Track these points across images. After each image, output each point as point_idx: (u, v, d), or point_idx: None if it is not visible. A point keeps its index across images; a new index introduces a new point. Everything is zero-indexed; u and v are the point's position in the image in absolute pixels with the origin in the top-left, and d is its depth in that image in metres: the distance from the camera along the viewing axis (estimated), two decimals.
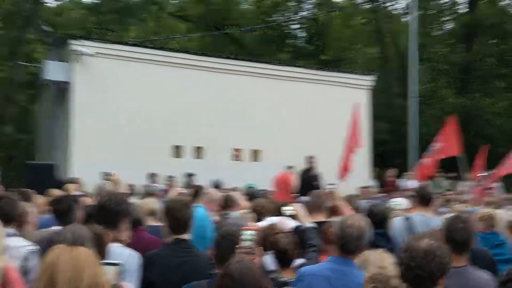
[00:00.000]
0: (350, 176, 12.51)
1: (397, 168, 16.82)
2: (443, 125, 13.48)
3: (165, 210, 4.16)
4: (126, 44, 15.31)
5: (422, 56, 24.01)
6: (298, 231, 4.81)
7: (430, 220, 5.71)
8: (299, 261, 4.16)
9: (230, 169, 14.28)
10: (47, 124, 15.25)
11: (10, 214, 4.07)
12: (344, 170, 12.42)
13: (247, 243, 3.31)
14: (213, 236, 5.28)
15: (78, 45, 13.58)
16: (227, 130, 14.77)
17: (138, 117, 14.01)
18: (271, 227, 4.87)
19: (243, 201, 8.60)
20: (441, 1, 26.62)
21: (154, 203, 6.60)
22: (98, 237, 3.28)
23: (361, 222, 3.64)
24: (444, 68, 26.06)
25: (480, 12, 24.29)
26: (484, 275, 3.61)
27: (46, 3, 25.22)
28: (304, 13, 28.14)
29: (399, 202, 6.74)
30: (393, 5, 28.90)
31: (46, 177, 10.72)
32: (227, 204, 7.46)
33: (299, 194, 10.96)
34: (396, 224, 5.56)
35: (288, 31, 28.78)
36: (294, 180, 12.20)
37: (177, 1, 29.10)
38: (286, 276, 3.95)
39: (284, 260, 4.04)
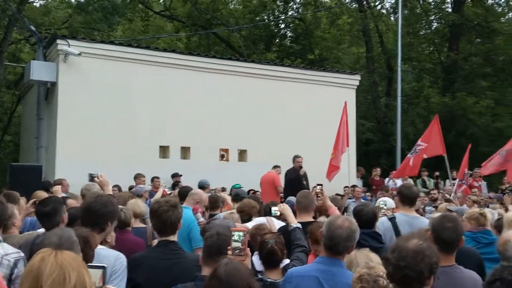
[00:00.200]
0: (336, 176, 12.55)
1: (382, 167, 16.95)
2: (427, 124, 13.59)
3: (151, 212, 4.12)
4: (112, 43, 15.17)
5: (407, 55, 24.20)
6: (285, 231, 4.81)
7: (414, 220, 5.73)
8: (285, 262, 4.15)
9: (217, 169, 14.24)
10: (32, 124, 15.08)
11: (1, 217, 4.02)
12: (333, 169, 12.44)
13: (237, 244, 3.29)
14: (199, 237, 5.28)
15: (64, 45, 13.45)
16: (214, 130, 14.73)
17: (125, 117, 13.91)
18: (259, 227, 4.87)
19: (230, 202, 8.61)
20: (427, 1, 26.79)
21: (139, 205, 6.57)
22: (85, 240, 3.24)
23: (351, 222, 3.63)
24: (429, 67, 26.24)
25: (465, 11, 24.47)
26: (471, 275, 3.62)
27: (32, 2, 25.04)
28: (291, 13, 28.18)
29: (386, 202, 6.75)
30: (379, 4, 29.11)
31: (31, 178, 10.57)
32: (213, 204, 7.44)
33: (286, 194, 10.94)
34: (380, 224, 5.57)
35: (276, 30, 28.80)
36: (281, 180, 12.19)
37: (163, 1, 28.98)
38: (273, 277, 3.94)
39: (271, 261, 4.03)
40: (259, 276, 4.01)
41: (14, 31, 20.89)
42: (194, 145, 14.66)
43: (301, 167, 12.02)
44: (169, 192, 8.69)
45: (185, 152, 14.73)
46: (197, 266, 3.46)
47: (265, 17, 28.11)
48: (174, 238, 3.98)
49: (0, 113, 24.07)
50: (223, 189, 12.06)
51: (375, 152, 23.01)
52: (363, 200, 12.05)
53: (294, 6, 28.31)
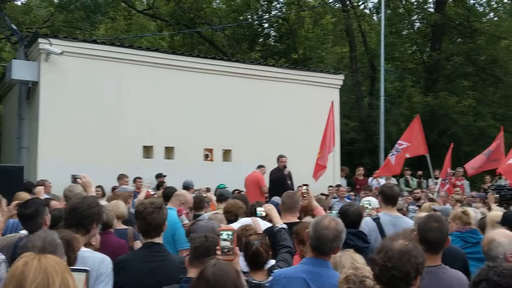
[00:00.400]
0: (321, 175, 12.57)
1: (366, 167, 17.02)
2: (409, 124, 13.67)
3: (136, 213, 4.08)
4: (95, 42, 15.02)
5: (390, 55, 24.38)
6: (270, 232, 4.79)
7: (397, 219, 5.76)
8: (271, 263, 4.13)
9: (202, 169, 14.19)
10: (14, 124, 14.88)
11: None
12: (320, 169, 12.45)
13: (226, 243, 3.27)
14: (184, 238, 5.24)
15: (45, 44, 13.28)
16: (198, 130, 14.66)
17: (107, 117, 13.79)
18: (246, 228, 4.84)
19: (214, 202, 8.56)
20: (410, 1, 27.00)
21: (122, 206, 6.50)
22: (68, 243, 3.20)
23: (337, 223, 3.62)
24: (411, 67, 26.45)
25: (447, 11, 24.71)
26: (457, 274, 3.64)
27: (13, 1, 24.72)
28: (275, 12, 28.20)
29: (371, 202, 6.78)
30: (362, 4, 29.27)
31: (12, 179, 10.43)
32: (198, 205, 7.41)
33: (270, 194, 10.92)
34: (365, 224, 5.58)
35: (259, 30, 28.82)
36: (265, 180, 12.18)
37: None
38: (258, 278, 3.92)
39: (256, 262, 4.01)
40: (244, 277, 3.99)
41: None
42: (178, 145, 14.58)
43: (285, 167, 12.01)
44: (153, 193, 8.61)
45: (169, 152, 14.64)
46: (183, 268, 3.43)
47: (249, 16, 28.11)
48: (159, 240, 3.94)
49: None
50: (208, 190, 12.01)
51: (359, 151, 23.12)
52: (347, 200, 12.09)
53: (278, 6, 28.36)
